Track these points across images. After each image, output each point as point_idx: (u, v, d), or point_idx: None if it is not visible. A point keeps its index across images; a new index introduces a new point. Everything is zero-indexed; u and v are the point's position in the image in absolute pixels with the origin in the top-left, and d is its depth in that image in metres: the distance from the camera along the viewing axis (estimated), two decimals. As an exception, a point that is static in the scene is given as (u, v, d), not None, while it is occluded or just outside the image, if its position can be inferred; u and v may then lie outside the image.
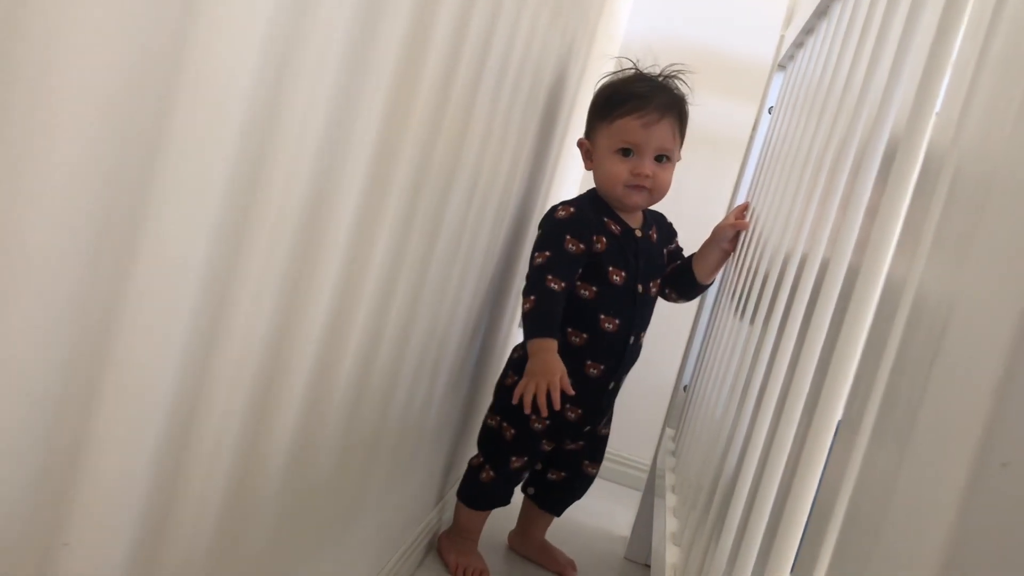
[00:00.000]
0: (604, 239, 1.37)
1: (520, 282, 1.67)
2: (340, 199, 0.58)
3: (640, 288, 1.40)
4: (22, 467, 0.36)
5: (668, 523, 1.27)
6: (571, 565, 1.58)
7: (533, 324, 1.33)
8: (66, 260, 0.34)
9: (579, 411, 1.42)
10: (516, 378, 1.41)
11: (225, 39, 0.40)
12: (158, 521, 0.47)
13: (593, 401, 1.42)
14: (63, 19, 0.30)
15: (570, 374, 1.36)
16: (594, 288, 1.37)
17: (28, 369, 0.34)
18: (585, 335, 1.39)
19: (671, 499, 1.39)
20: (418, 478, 1.28)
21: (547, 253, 1.35)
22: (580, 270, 1.37)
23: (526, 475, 1.49)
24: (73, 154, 0.33)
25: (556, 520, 1.60)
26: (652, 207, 1.45)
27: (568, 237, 1.35)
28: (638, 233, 1.41)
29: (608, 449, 1.59)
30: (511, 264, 1.53)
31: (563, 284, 1.34)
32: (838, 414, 0.60)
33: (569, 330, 1.40)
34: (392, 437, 0.99)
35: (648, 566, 1.71)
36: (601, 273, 1.37)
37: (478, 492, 1.46)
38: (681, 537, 1.15)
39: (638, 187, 1.36)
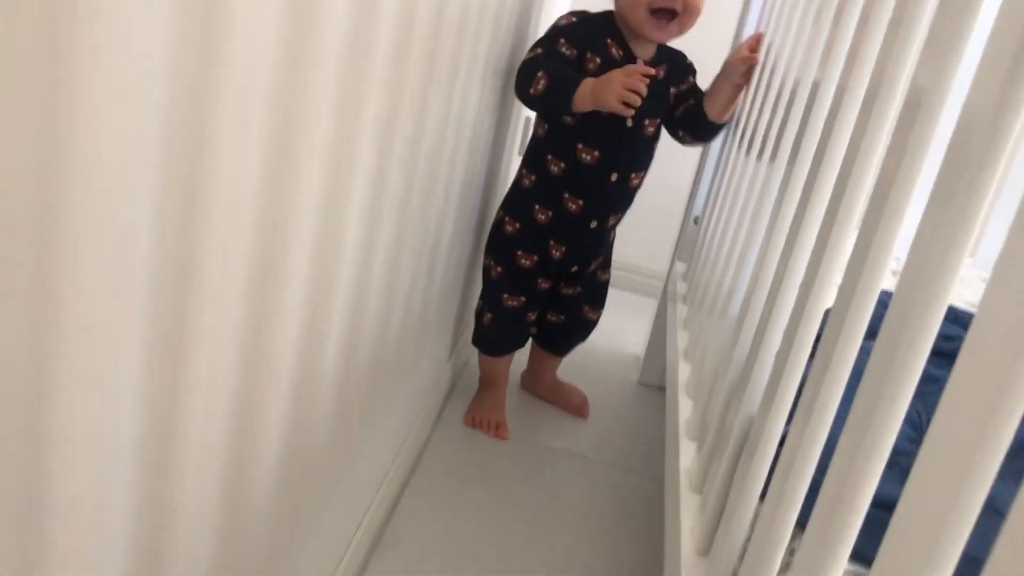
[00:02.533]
0: (598, 60, 1.31)
1: (517, 121, 1.66)
2: (316, 82, 0.56)
3: (630, 123, 1.34)
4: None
5: (680, 338, 1.33)
6: (584, 402, 1.64)
7: (562, 88, 1.24)
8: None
9: (562, 249, 1.43)
10: (510, 220, 1.44)
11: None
12: (157, 477, 0.47)
13: (575, 239, 1.42)
14: None
15: (549, 207, 1.39)
16: (577, 115, 1.31)
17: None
18: (563, 165, 1.37)
19: (682, 310, 1.45)
20: (429, 348, 1.30)
21: (539, 50, 1.29)
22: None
23: (534, 317, 1.52)
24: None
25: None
26: (672, 44, 1.36)
27: (562, 40, 1.29)
28: (640, 63, 1.33)
29: (623, 259, 1.60)
30: (506, 106, 1.52)
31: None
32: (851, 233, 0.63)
33: (549, 157, 1.38)
34: (396, 328, 1.00)
35: (662, 388, 1.82)
36: None
37: (484, 336, 1.52)
38: (694, 352, 1.21)
39: (665, 14, 1.27)
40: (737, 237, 1.08)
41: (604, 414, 1.67)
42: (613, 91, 1.19)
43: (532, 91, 1.26)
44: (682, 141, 1.44)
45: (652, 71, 1.21)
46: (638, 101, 1.20)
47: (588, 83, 1.23)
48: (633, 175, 1.40)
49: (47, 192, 0.32)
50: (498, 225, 1.47)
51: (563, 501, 1.36)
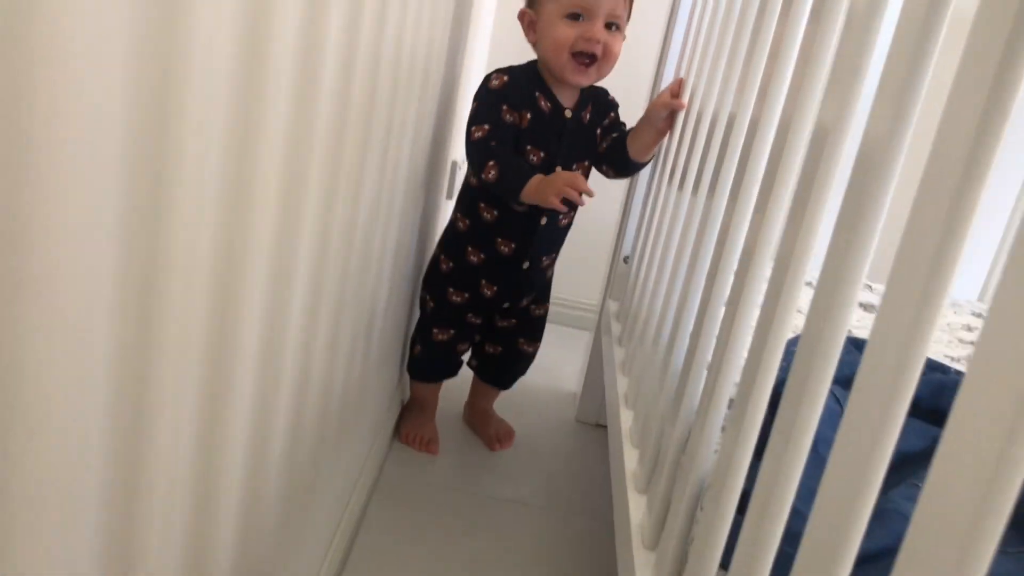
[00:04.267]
0: (529, 115, 1.35)
1: (445, 166, 1.65)
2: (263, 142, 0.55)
3: (560, 169, 1.38)
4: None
5: (619, 383, 1.32)
6: (500, 438, 1.62)
7: (512, 181, 1.29)
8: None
9: (494, 288, 1.47)
10: (445, 259, 1.48)
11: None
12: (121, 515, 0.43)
13: (506, 279, 1.47)
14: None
15: (482, 250, 1.44)
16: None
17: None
18: (496, 212, 1.42)
19: (619, 353, 1.45)
20: (368, 411, 1.27)
21: (486, 127, 1.32)
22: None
23: (465, 348, 1.56)
24: None
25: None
26: (596, 83, 1.40)
27: (505, 108, 1.34)
28: (568, 113, 1.39)
29: (554, 294, 1.64)
30: (436, 155, 1.50)
31: (506, 150, 1.33)
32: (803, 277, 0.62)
33: (482, 205, 1.42)
34: (338, 399, 0.97)
35: (600, 425, 1.80)
36: (519, 150, 1.37)
37: (414, 364, 1.56)
38: (634, 399, 1.20)
39: (586, 59, 1.31)
40: (675, 280, 1.07)
41: (545, 457, 1.64)
42: (554, 189, 1.24)
43: (484, 176, 1.32)
44: (606, 175, 1.49)
45: (592, 192, 1.25)
46: (582, 191, 1.24)
47: (535, 182, 1.27)
48: (562, 216, 1.45)
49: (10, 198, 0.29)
50: (435, 262, 1.51)
51: (512, 550, 1.32)
